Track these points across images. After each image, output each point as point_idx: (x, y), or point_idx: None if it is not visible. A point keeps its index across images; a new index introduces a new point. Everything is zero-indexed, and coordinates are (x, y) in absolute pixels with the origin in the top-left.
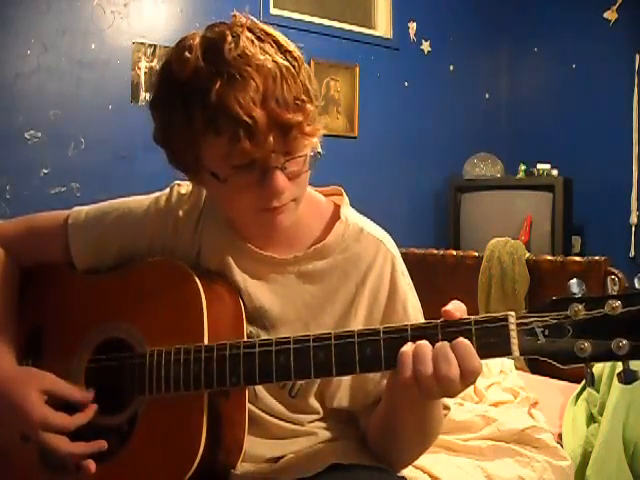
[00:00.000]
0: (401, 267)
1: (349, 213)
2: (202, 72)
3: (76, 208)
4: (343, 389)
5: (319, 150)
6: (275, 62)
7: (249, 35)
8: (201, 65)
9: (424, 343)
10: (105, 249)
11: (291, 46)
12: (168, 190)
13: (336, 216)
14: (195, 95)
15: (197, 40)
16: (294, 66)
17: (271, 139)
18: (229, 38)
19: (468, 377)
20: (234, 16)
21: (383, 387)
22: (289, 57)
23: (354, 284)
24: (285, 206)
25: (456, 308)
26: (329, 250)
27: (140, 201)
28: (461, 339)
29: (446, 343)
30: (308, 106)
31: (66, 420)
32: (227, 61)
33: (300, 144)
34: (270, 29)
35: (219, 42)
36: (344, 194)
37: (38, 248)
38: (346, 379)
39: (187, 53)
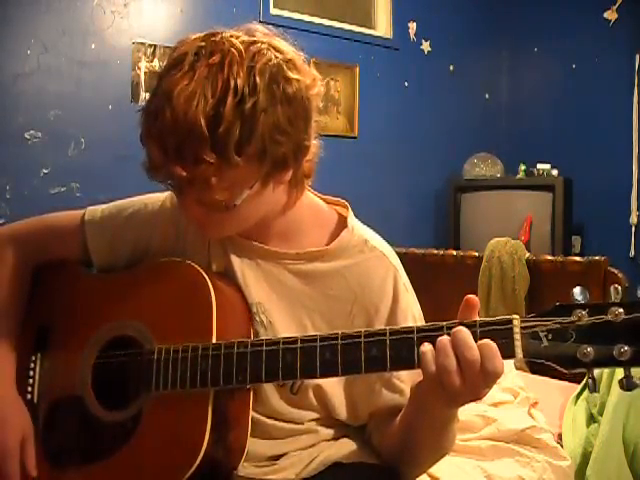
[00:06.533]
0: (403, 280)
1: (355, 223)
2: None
3: (91, 207)
4: (339, 401)
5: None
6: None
7: (213, 59)
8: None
9: (442, 337)
10: (121, 244)
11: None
12: None
13: (342, 224)
14: None
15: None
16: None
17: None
18: (185, 65)
19: (490, 378)
20: (228, 39)
21: (394, 401)
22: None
23: (353, 293)
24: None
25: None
26: (332, 255)
27: (155, 197)
28: (486, 340)
29: (462, 329)
30: (208, 166)
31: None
32: (159, 89)
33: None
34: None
35: (174, 64)
36: (349, 207)
37: (56, 246)
38: (340, 392)
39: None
